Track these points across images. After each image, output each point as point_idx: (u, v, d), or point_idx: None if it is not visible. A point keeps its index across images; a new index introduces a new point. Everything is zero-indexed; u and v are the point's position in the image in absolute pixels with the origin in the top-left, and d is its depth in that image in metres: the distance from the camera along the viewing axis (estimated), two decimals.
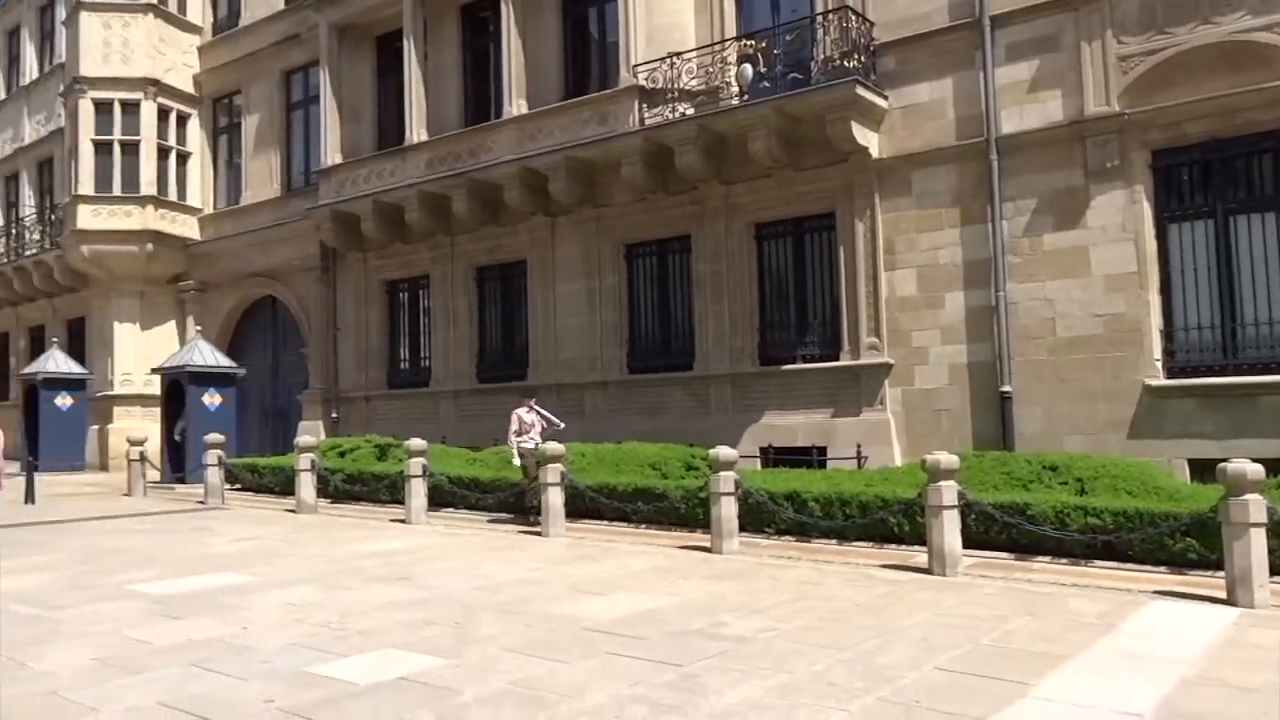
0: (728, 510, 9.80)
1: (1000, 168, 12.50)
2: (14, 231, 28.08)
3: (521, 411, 12.64)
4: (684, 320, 15.66)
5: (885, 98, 13.38)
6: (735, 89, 14.18)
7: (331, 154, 19.49)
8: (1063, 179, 12.15)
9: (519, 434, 12.47)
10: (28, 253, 26.70)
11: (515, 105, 16.60)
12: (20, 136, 29.05)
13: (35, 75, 28.71)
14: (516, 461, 12.53)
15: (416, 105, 18.11)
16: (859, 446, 13.00)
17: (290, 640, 6.19)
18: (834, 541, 10.09)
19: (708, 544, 9.92)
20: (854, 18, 13.31)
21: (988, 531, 9.12)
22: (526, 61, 16.79)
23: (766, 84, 13.78)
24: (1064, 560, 8.73)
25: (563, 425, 12.83)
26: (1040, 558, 8.86)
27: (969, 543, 8.75)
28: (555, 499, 11.29)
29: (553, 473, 11.29)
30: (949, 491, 8.43)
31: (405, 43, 18.34)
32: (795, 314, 14.55)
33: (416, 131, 18.06)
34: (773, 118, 13.43)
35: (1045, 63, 12.34)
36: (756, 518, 10.54)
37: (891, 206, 13.46)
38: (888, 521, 9.74)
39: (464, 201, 17.09)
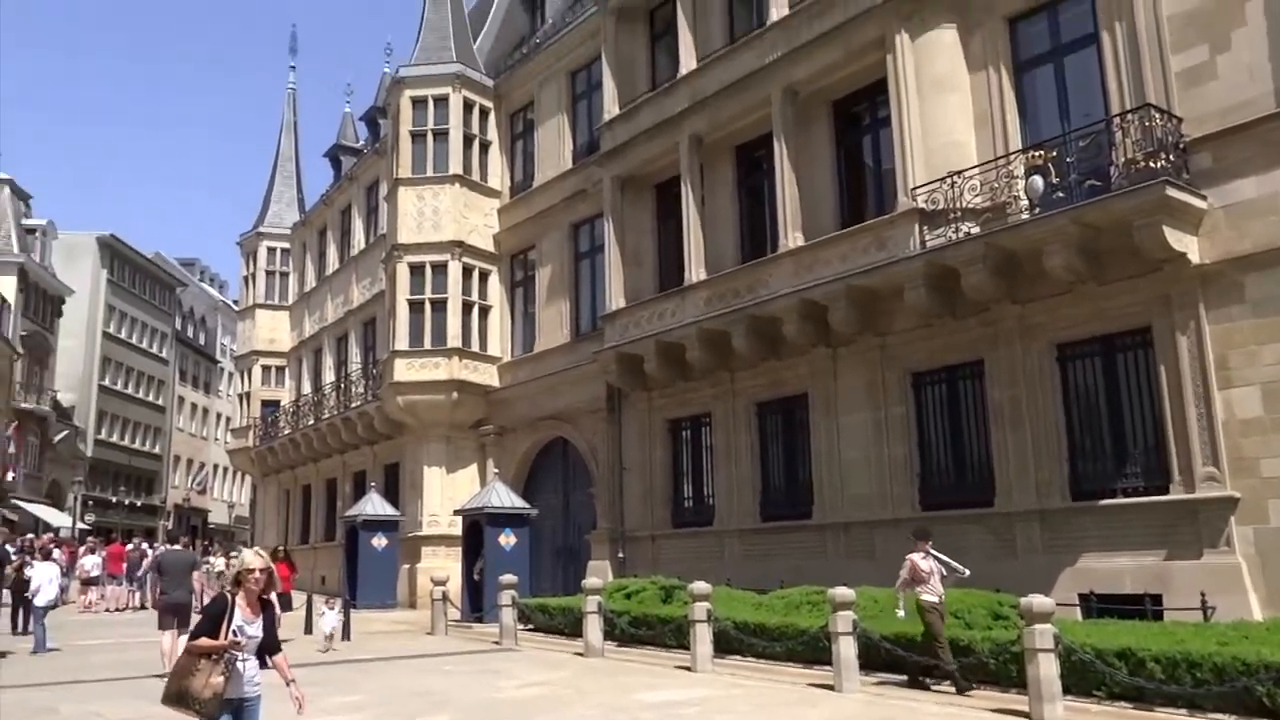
0: (1047, 669, 8.60)
1: None
2: (342, 386, 31.24)
3: (917, 557, 10.95)
4: (980, 452, 14.48)
5: (1203, 198, 12.01)
6: (1024, 203, 13.29)
7: (615, 298, 20.21)
8: None
9: (912, 583, 10.85)
10: (353, 405, 29.52)
11: (791, 238, 16.51)
12: (349, 301, 32.64)
13: (362, 246, 32.37)
14: (900, 614, 10.99)
15: (694, 246, 18.50)
16: (1203, 595, 11.16)
17: None
18: (1182, 711, 8.55)
19: (1024, 708, 8.72)
20: (1158, 115, 12.17)
21: None
22: (800, 194, 16.74)
23: (1060, 194, 12.80)
24: None
25: (967, 572, 11.14)
26: None
27: None
28: (847, 649, 10.46)
29: (844, 620, 10.49)
30: None
31: (682, 188, 18.91)
32: (1110, 441, 13.02)
33: (695, 271, 18.37)
34: (1070, 229, 12.40)
35: None
36: (1081, 678, 9.20)
37: (1221, 317, 11.88)
38: (1254, 691, 8.12)
39: (743, 337, 17.02)
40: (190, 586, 13.23)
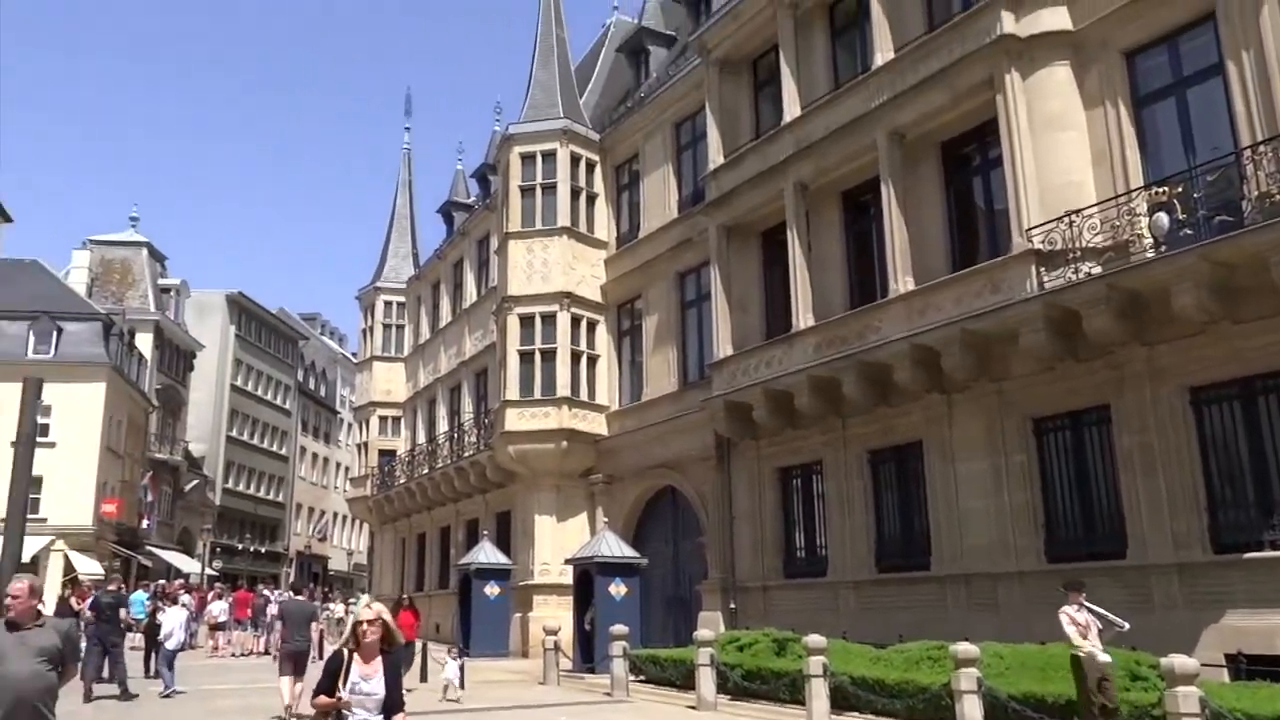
0: None
1: None
2: (455, 436, 31.85)
3: (1071, 610, 10.29)
4: (1109, 500, 13.82)
5: None
6: (1149, 241, 12.77)
7: (722, 346, 20.14)
8: None
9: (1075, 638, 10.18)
10: (466, 454, 30.04)
11: (901, 282, 16.21)
12: (462, 352, 33.39)
13: (474, 299, 33.15)
14: (1102, 657, 9.97)
15: (801, 292, 18.34)
16: None
17: None
18: None
19: None
20: None
21: None
22: (910, 237, 16.46)
23: (1188, 231, 12.28)
24: None
25: (1126, 626, 10.46)
26: None
27: None
28: (972, 709, 10.02)
29: (967, 678, 10.07)
30: None
31: (789, 234, 18.81)
32: (1254, 490, 12.27)
33: (803, 318, 18.19)
34: (1200, 267, 11.85)
35: None
36: None
37: None
38: None
39: (853, 383, 16.73)
40: (309, 636, 13.75)
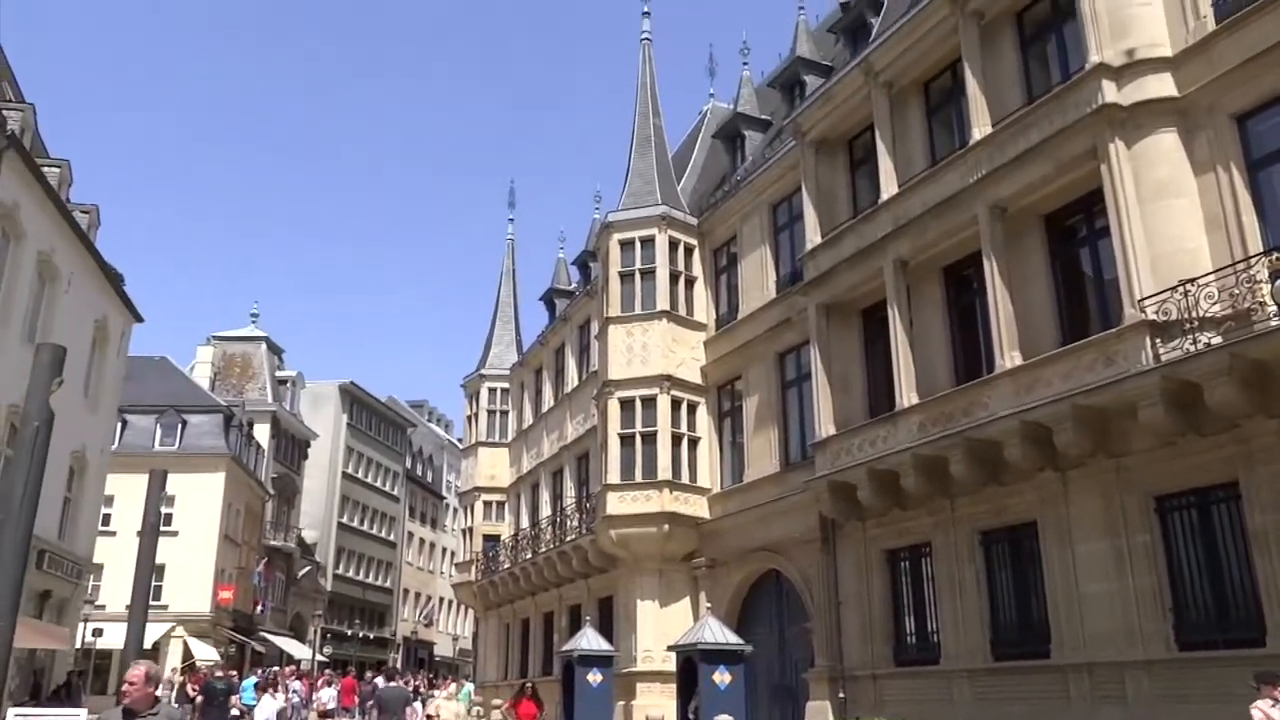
0: None
1: None
2: (558, 520, 31.95)
3: (1266, 706, 9.47)
4: (1243, 584, 12.99)
5: None
6: (1272, 309, 12.21)
7: (825, 426, 19.86)
8: None
9: None
10: (568, 538, 30.06)
11: (1007, 357, 15.79)
12: (564, 436, 33.68)
13: (575, 383, 33.54)
14: None
15: (904, 369, 18.02)
16: None
17: None
18: None
19: None
20: None
21: None
22: (1015, 311, 16.08)
23: None
24: None
25: None
26: None
27: None
28: None
29: None
30: None
31: (890, 311, 18.59)
32: None
33: (906, 396, 17.84)
34: None
35: None
36: None
37: None
38: None
39: (961, 462, 16.25)
40: (404, 718, 13.87)
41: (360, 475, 64.60)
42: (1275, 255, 12.41)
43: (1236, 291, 12.69)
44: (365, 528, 64.87)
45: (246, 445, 47.85)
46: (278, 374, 55.77)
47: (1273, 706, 9.29)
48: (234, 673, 22.92)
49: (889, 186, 19.14)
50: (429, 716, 18.40)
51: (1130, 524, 14.36)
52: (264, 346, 55.03)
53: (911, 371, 17.98)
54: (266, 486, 50.77)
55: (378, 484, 66.79)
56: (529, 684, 17.03)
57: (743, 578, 23.92)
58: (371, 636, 63.68)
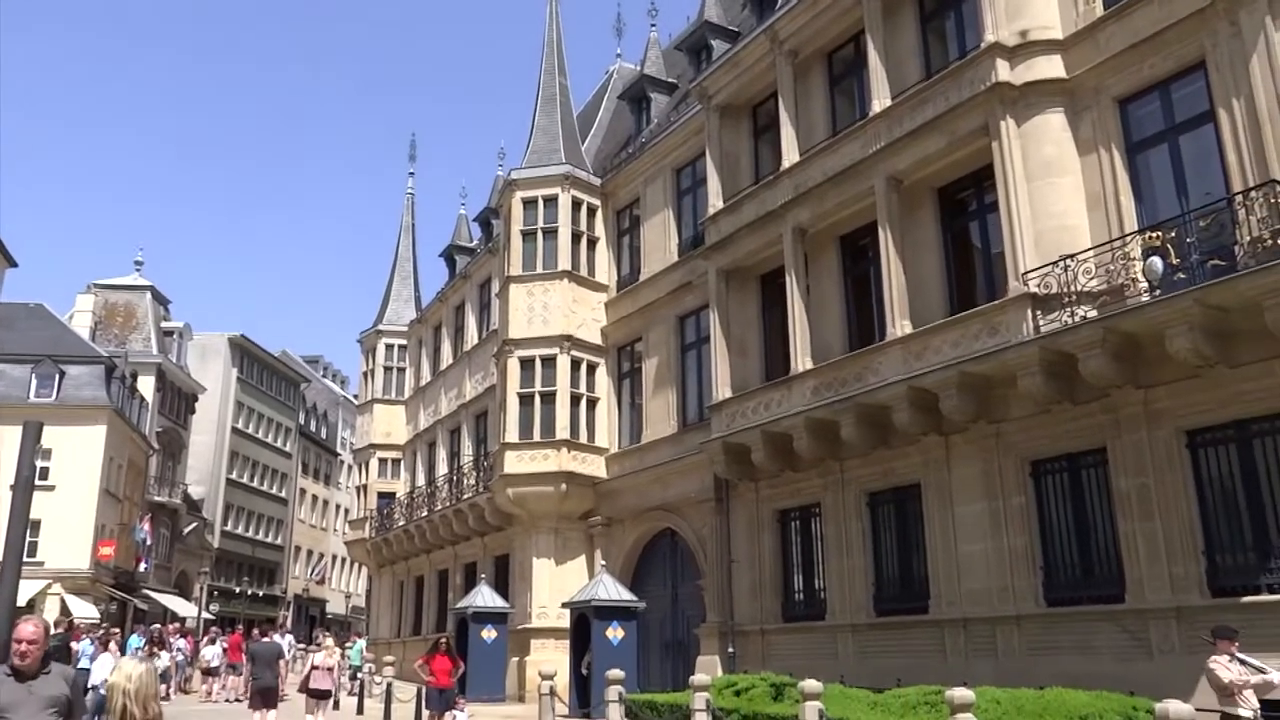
0: None
1: None
2: (455, 478, 31.80)
3: (1223, 662, 9.10)
4: (1107, 543, 13.79)
5: None
6: (1143, 285, 12.88)
7: (721, 389, 20.19)
8: None
9: (1224, 694, 9.05)
10: (465, 496, 29.98)
11: (899, 325, 16.30)
12: (462, 394, 33.46)
13: (475, 341, 33.29)
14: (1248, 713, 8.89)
15: (800, 335, 18.42)
16: None
17: None
18: None
19: None
20: None
21: None
22: (907, 281, 16.57)
23: (1181, 275, 12.38)
24: None
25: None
26: None
27: None
28: None
29: None
30: None
31: (787, 278, 18.94)
32: (1252, 533, 12.25)
33: (801, 361, 18.26)
34: (1194, 310, 11.93)
35: None
36: None
37: None
38: None
39: (852, 426, 16.75)
40: (277, 672, 15.43)
41: (251, 431, 62.98)
42: (1149, 234, 13.07)
43: (1112, 268, 13.33)
44: (255, 484, 63.39)
45: (129, 398, 46.09)
46: (163, 325, 53.72)
47: (1230, 662, 9.09)
48: (78, 629, 22.14)
49: (790, 154, 19.41)
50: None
51: (1007, 487, 15.07)
52: (149, 296, 52.91)
53: (807, 337, 18.40)
54: (151, 440, 49.09)
55: (269, 440, 65.25)
56: (444, 639, 16.95)
57: (638, 536, 24.27)
58: (261, 594, 62.48)
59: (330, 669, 16.45)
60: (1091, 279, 13.47)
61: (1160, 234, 12.83)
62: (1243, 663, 9.13)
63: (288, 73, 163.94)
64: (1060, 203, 14.61)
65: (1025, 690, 12.04)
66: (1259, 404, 12.23)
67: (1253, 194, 11.99)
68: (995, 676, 13.28)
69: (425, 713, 16.74)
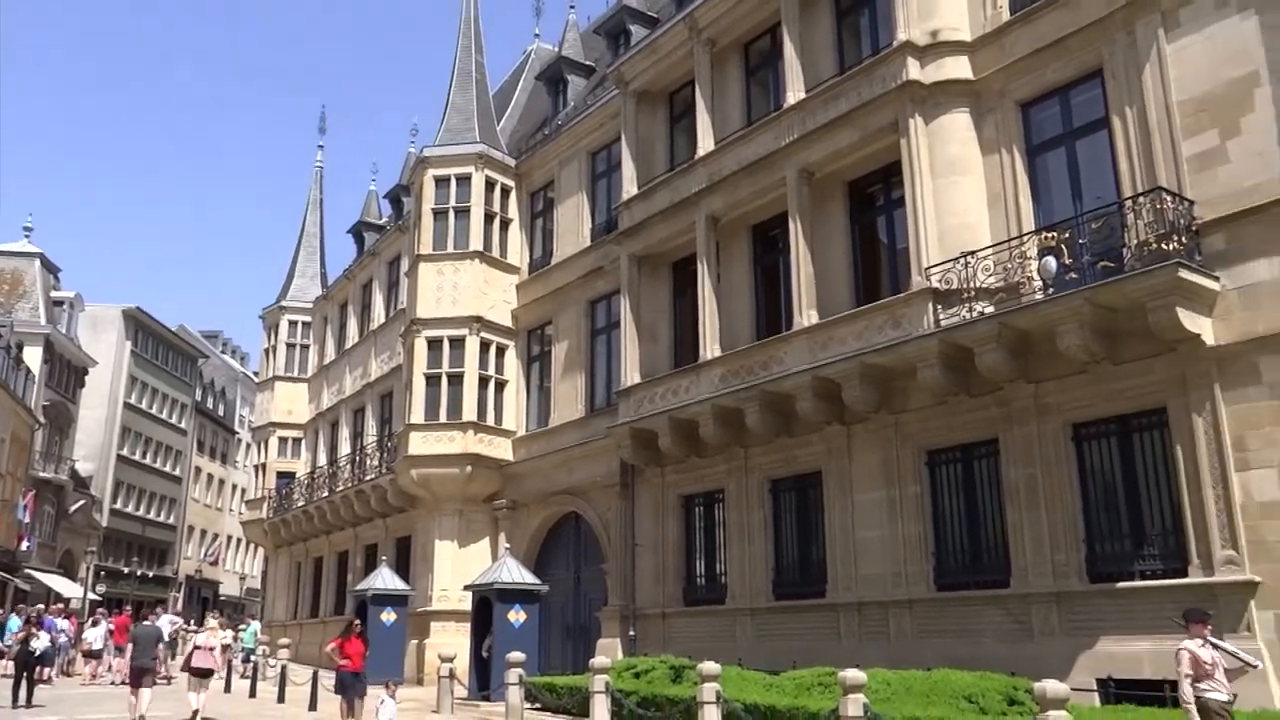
0: None
1: None
2: (357, 459, 31.28)
3: (1194, 646, 8.75)
4: (996, 531, 14.31)
5: (1216, 279, 12.05)
6: (1038, 283, 13.36)
7: (630, 374, 20.27)
8: None
9: (1197, 679, 8.63)
10: (367, 477, 29.51)
11: (805, 316, 16.59)
12: (367, 374, 32.91)
13: (382, 320, 32.75)
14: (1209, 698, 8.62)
15: (710, 323, 18.60)
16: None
17: None
18: None
19: None
20: (1169, 198, 12.29)
21: None
22: (815, 272, 16.87)
23: (1073, 275, 12.87)
24: None
25: (1258, 664, 9.42)
26: None
27: None
28: None
29: (854, 704, 10.26)
30: None
31: (699, 265, 19.10)
32: (1128, 523, 12.87)
33: (710, 348, 18.44)
34: (1084, 309, 12.43)
35: None
36: None
37: (1238, 398, 11.82)
38: None
39: (757, 413, 17.00)
40: (155, 654, 15.77)
41: (144, 406, 60.83)
42: (1045, 235, 13.56)
43: (1010, 266, 13.78)
44: (148, 461, 61.29)
45: (14, 369, 44.05)
46: (53, 294, 51.43)
47: (1201, 646, 8.78)
48: None
49: (705, 143, 19.54)
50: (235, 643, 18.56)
51: (904, 475, 15.49)
52: (38, 263, 50.57)
53: (716, 325, 18.59)
54: (36, 414, 47.01)
55: (164, 416, 63.12)
56: (357, 621, 16.57)
57: (543, 520, 24.24)
58: (151, 575, 60.51)
59: (213, 648, 16.38)
60: (990, 276, 13.90)
61: (1055, 235, 13.32)
62: (1216, 647, 8.91)
63: (194, 35, 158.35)
64: (963, 201, 15.03)
65: (914, 671, 12.45)
66: (1139, 400, 12.83)
67: (1141, 200, 12.52)
68: (887, 658, 13.68)
69: (336, 698, 16.37)
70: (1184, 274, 11.70)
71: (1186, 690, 8.60)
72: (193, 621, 41.88)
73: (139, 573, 58.87)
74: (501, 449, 25.22)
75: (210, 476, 70.41)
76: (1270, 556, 11.22)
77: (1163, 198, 12.30)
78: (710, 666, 12.53)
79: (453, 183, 26.45)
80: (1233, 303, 12.02)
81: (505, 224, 26.89)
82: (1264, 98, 12.16)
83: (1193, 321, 11.91)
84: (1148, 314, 11.99)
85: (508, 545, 22.67)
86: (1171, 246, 11.95)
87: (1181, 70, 12.87)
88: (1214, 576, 11.56)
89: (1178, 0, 13.06)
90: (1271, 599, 11.14)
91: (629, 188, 21.41)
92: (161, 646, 16.06)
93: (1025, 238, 13.86)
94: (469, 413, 24.85)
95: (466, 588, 21.89)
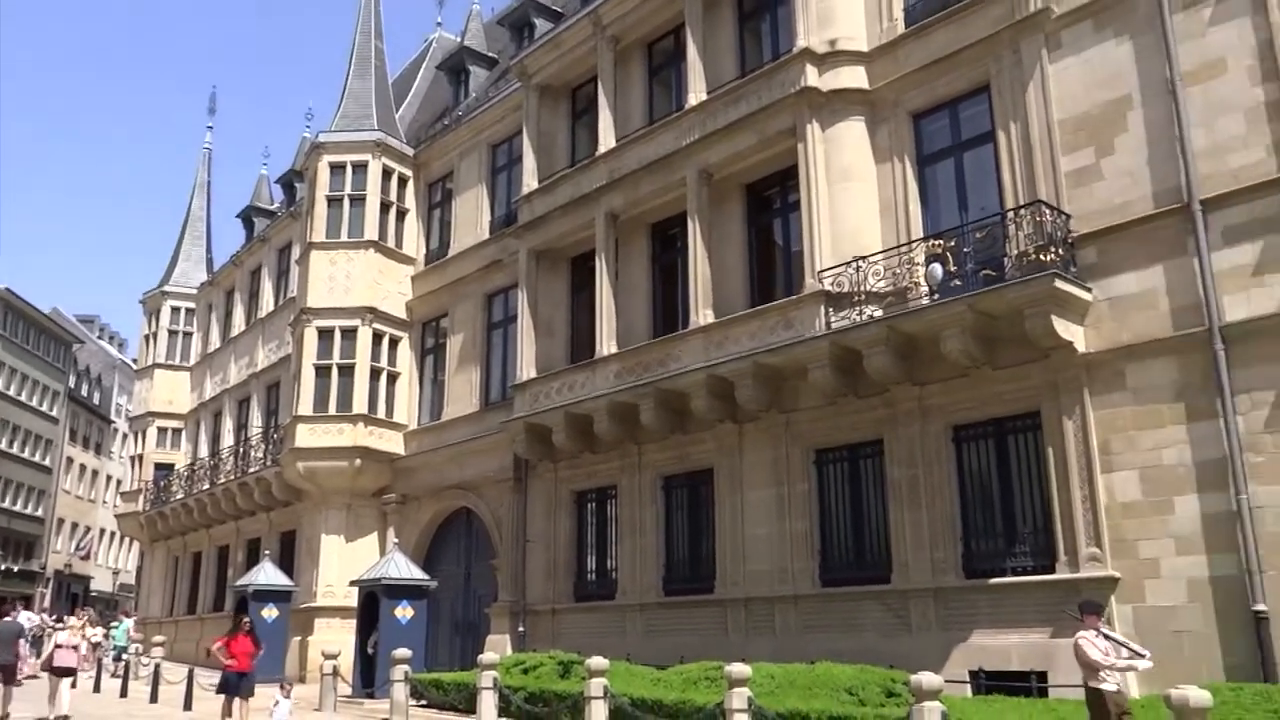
0: None
1: (1228, 358, 11.39)
2: (241, 451, 30.33)
3: (1090, 637, 8.89)
4: (879, 529, 14.73)
5: (1088, 290, 12.65)
6: (925, 289, 13.80)
7: (526, 369, 20.17)
8: None
9: (1090, 671, 8.84)
10: (251, 469, 28.64)
11: (702, 315, 16.77)
12: (254, 363, 31.93)
13: (270, 308, 31.81)
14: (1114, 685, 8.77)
15: (607, 319, 18.64)
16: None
17: None
18: None
19: None
20: (1048, 211, 12.85)
21: None
22: (712, 272, 17.07)
23: (957, 282, 13.34)
24: None
25: (1146, 654, 9.09)
26: None
27: None
28: None
29: (739, 697, 10.44)
30: None
31: (597, 261, 19.11)
32: (1002, 521, 13.42)
33: (606, 344, 18.48)
34: (966, 316, 12.89)
35: (1271, 245, 11.38)
36: None
37: (1104, 403, 12.43)
38: None
39: (652, 410, 17.11)
40: (16, 651, 15.66)
41: (11, 392, 57.74)
42: (932, 242, 14.02)
43: (898, 271, 14.20)
44: (14, 450, 58.19)
45: None
46: None
47: (1096, 637, 8.95)
48: None
49: (607, 139, 19.57)
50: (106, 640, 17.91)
51: (793, 474, 15.81)
52: None
53: (613, 321, 18.64)
54: None
55: (32, 402, 60.02)
56: (246, 620, 15.87)
57: (434, 514, 23.94)
58: (16, 569, 57.50)
59: (76, 646, 15.82)
60: (880, 280, 14.30)
61: (942, 243, 13.78)
62: (1107, 638, 9.08)
63: (80, 5, 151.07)
64: (855, 207, 15.41)
65: (797, 665, 12.74)
66: (1015, 404, 13.38)
67: (1022, 212, 13.05)
68: (773, 653, 13.95)
69: (218, 697, 15.72)
70: (1059, 284, 12.25)
71: (1103, 662, 8.72)
72: (57, 618, 40.01)
73: (3, 567, 55.91)
74: (392, 442, 24.80)
75: (83, 467, 67.26)
76: (1130, 554, 11.84)
77: (1042, 211, 12.84)
78: (598, 662, 12.59)
79: (348, 170, 25.89)
80: (1103, 313, 12.64)
81: (401, 214, 26.45)
82: (1136, 119, 12.82)
83: (1066, 329, 12.47)
84: (1025, 321, 12.51)
85: (396, 540, 22.33)
86: (1049, 258, 12.49)
87: (1062, 90, 13.47)
88: (1079, 573, 12.13)
89: (1061, 22, 13.65)
90: (1130, 593, 11.76)
91: (530, 181, 21.29)
92: (23, 644, 15.50)
93: (914, 244, 14.30)
94: (359, 405, 24.37)
95: (353, 583, 21.46)
